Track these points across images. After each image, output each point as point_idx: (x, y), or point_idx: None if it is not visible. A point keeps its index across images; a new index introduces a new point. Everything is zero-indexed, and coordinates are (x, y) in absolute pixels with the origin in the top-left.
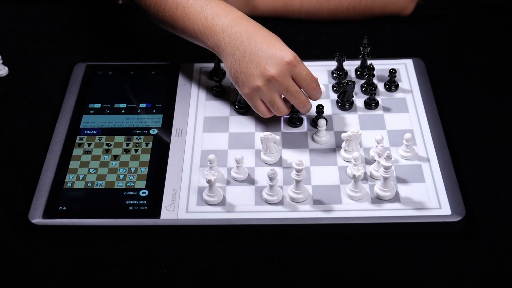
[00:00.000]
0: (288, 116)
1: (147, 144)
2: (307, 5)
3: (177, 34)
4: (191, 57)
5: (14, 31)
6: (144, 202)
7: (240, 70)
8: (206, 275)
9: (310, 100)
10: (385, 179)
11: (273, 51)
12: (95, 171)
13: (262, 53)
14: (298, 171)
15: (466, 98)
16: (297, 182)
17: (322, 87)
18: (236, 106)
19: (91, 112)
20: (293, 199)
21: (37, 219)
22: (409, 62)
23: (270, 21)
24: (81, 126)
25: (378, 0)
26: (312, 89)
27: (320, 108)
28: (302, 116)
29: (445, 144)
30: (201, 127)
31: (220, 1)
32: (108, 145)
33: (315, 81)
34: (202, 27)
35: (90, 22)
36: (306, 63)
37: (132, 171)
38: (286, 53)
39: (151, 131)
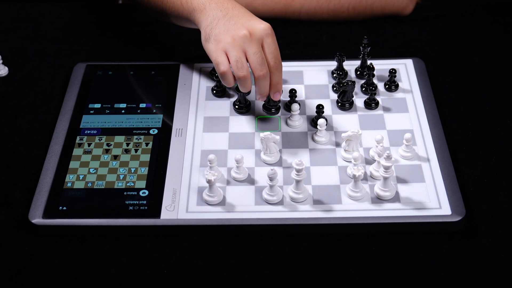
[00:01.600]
0: (264, 103)
1: (147, 144)
2: (307, 6)
3: (166, 17)
4: (191, 57)
5: (14, 31)
6: (144, 202)
7: (216, 26)
8: (206, 275)
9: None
10: (385, 179)
11: (253, 18)
12: (95, 171)
13: (242, 18)
14: (298, 171)
15: (466, 98)
16: (297, 182)
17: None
18: (236, 106)
19: (91, 112)
20: (293, 199)
21: (37, 219)
22: (409, 62)
23: (270, 22)
24: (81, 126)
25: (378, 0)
26: (273, 65)
27: (320, 108)
28: (279, 103)
29: (445, 144)
30: (201, 127)
31: None
32: (108, 145)
33: (280, 59)
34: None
35: (90, 22)
36: (306, 63)
37: (132, 171)
38: (264, 23)
39: (151, 131)
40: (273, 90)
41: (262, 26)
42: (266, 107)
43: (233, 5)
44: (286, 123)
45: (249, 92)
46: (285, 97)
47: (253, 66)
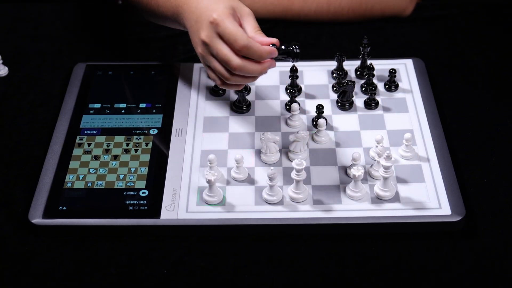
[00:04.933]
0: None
1: (147, 144)
2: (307, 9)
3: (157, 19)
4: (191, 57)
5: (14, 31)
6: (144, 202)
7: (191, 35)
8: (206, 275)
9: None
10: (385, 179)
11: (203, 11)
12: (95, 171)
13: (200, 13)
14: (298, 171)
15: (466, 98)
16: (297, 182)
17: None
18: (236, 106)
19: (91, 112)
20: (293, 199)
21: (37, 219)
22: (409, 62)
23: (270, 22)
24: (81, 126)
25: (378, 3)
26: (238, 47)
27: (320, 108)
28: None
29: (445, 144)
30: (201, 127)
31: None
32: (108, 145)
33: (242, 38)
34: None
35: (90, 22)
36: (306, 63)
37: (132, 171)
38: (211, 11)
39: (151, 131)
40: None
41: (209, 21)
42: (235, 105)
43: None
44: (286, 123)
45: (248, 92)
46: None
47: (225, 67)
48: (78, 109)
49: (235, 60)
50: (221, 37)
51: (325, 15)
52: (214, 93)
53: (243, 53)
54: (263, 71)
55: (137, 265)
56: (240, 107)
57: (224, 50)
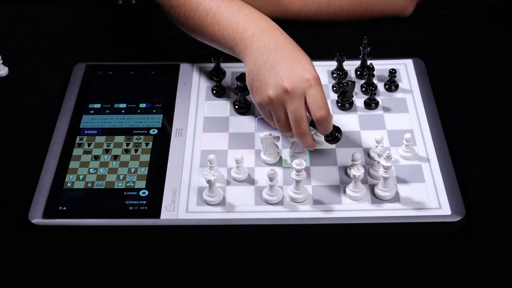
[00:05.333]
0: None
1: (147, 144)
2: (306, 9)
3: (206, 42)
4: (191, 57)
5: (14, 31)
6: (144, 202)
7: (257, 77)
8: (206, 275)
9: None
10: (385, 179)
11: (296, 66)
12: (95, 171)
13: (283, 65)
14: (298, 171)
15: (466, 98)
16: (297, 182)
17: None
18: (236, 106)
19: (91, 112)
20: (293, 199)
21: (37, 219)
22: (409, 62)
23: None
24: (81, 126)
25: (379, 3)
26: (320, 115)
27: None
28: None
29: (445, 144)
30: (201, 127)
31: (253, 9)
32: (108, 145)
33: (327, 109)
34: (233, 32)
35: (90, 22)
36: None
37: (132, 171)
38: (307, 71)
39: (151, 131)
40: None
41: (305, 78)
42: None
43: (276, 44)
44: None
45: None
46: None
47: (292, 124)
48: (78, 109)
49: (307, 125)
50: (306, 97)
51: (325, 15)
52: (214, 93)
53: (318, 121)
54: (310, 147)
55: (137, 265)
56: (240, 107)
57: (304, 110)
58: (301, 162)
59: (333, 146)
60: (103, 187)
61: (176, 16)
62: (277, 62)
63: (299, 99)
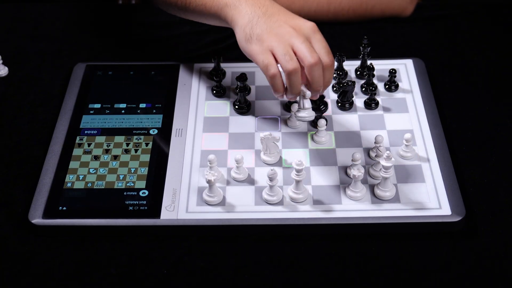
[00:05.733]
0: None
1: (147, 144)
2: (306, 8)
3: (188, 15)
4: (191, 57)
5: (14, 31)
6: (144, 202)
7: (257, 25)
8: (206, 275)
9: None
10: (385, 179)
11: (296, 17)
12: (95, 171)
13: (283, 15)
14: (298, 171)
15: (466, 98)
16: (297, 182)
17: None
18: (236, 106)
19: (91, 112)
20: (293, 199)
21: (37, 219)
22: (409, 62)
23: None
24: (81, 126)
25: (379, 3)
26: (327, 60)
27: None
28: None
29: (445, 144)
30: (201, 127)
31: None
32: (108, 145)
33: (332, 56)
34: None
35: (90, 22)
36: None
37: (132, 171)
38: (309, 22)
39: (151, 131)
40: (325, 87)
41: (308, 24)
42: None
43: (271, 2)
44: (286, 123)
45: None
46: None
47: (302, 56)
48: (78, 109)
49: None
50: (312, 42)
51: (325, 15)
52: (214, 93)
53: (327, 66)
54: (318, 88)
55: (137, 265)
56: (240, 107)
57: (326, 44)
58: (301, 162)
59: (333, 146)
60: (103, 187)
61: None
62: (276, 12)
63: (306, 38)
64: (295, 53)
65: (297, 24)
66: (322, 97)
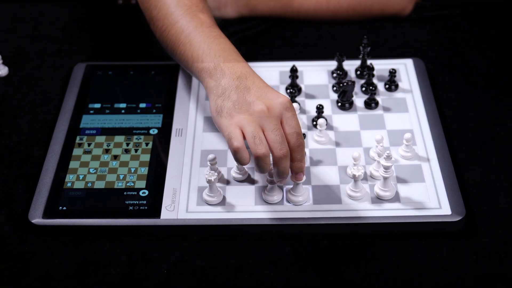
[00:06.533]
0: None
1: (147, 144)
2: (306, 6)
3: (176, 61)
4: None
5: (14, 31)
6: (144, 202)
7: (229, 99)
8: (206, 275)
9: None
10: (385, 179)
11: (269, 90)
12: (95, 171)
13: (257, 89)
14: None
15: (466, 98)
16: (297, 185)
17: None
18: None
19: (91, 112)
20: (291, 201)
21: (37, 219)
22: (409, 62)
23: (270, 21)
24: (81, 126)
25: (377, 1)
26: (296, 142)
27: (320, 108)
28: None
29: (445, 144)
30: (201, 127)
31: (229, 42)
32: (108, 145)
33: (302, 137)
34: (203, 54)
35: (90, 22)
36: (306, 63)
37: (132, 171)
38: (281, 96)
39: (151, 131)
40: (295, 170)
41: (281, 100)
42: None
43: (247, 73)
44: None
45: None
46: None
47: (272, 145)
48: (78, 109)
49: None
50: (283, 120)
51: (325, 13)
52: None
53: (295, 149)
54: (296, 173)
55: (137, 265)
56: None
57: (297, 123)
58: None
59: (333, 146)
60: (103, 187)
61: (154, 29)
62: (251, 86)
63: (276, 120)
64: (266, 137)
65: (270, 101)
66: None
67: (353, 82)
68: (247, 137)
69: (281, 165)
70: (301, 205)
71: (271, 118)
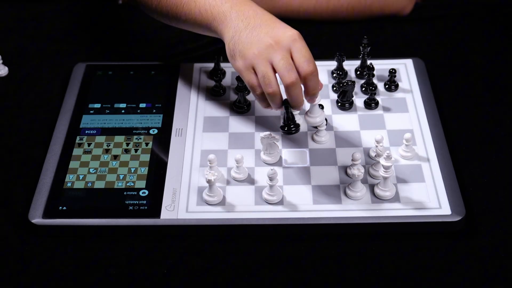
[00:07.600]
0: (282, 124)
1: (147, 144)
2: (306, 5)
3: (179, 25)
4: (191, 57)
5: (14, 31)
6: (144, 202)
7: (239, 40)
8: (206, 275)
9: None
10: (385, 179)
11: (277, 25)
12: (95, 171)
13: (265, 27)
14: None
15: (466, 98)
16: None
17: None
18: (236, 106)
19: (91, 112)
20: (309, 123)
21: (37, 219)
22: (409, 62)
23: None
24: (81, 126)
25: (377, 1)
26: (309, 69)
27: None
28: (298, 122)
29: (445, 144)
30: (201, 127)
31: None
32: (108, 145)
33: (315, 63)
34: (210, 6)
35: (90, 22)
36: None
37: (132, 171)
38: (289, 29)
39: (151, 131)
40: (312, 95)
41: (288, 33)
42: (283, 128)
43: (254, 13)
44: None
45: (248, 92)
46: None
47: (280, 74)
48: (78, 109)
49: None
50: (292, 51)
51: (325, 12)
52: (214, 93)
53: (307, 77)
54: (299, 103)
55: (137, 265)
56: (240, 107)
57: (291, 59)
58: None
59: (333, 146)
60: (103, 187)
61: (148, 2)
62: (258, 24)
63: (284, 51)
64: (275, 70)
65: (277, 35)
66: (293, 118)
67: (353, 82)
68: (259, 77)
69: (292, 92)
70: (320, 125)
71: (279, 51)
